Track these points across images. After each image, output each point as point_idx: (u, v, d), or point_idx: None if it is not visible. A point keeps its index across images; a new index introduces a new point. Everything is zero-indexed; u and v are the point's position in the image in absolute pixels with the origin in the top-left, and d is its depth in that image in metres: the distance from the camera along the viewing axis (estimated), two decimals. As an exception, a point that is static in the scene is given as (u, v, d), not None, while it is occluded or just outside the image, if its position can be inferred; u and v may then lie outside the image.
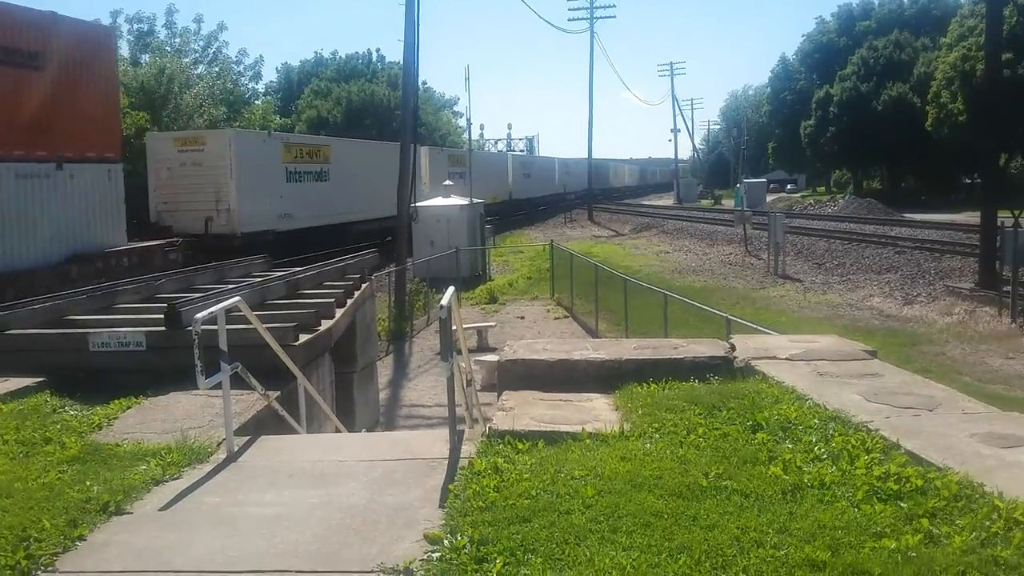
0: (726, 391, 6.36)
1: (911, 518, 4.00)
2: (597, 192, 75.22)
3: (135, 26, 62.86)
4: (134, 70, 53.54)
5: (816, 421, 5.44)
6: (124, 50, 61.82)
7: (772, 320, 17.43)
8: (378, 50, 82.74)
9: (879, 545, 3.74)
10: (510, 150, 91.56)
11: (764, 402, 5.96)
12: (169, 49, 60.77)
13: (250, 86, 70.48)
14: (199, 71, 60.05)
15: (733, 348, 7.59)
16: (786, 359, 7.21)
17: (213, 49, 65.31)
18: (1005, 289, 20.27)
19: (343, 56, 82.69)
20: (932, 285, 24.20)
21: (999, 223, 22.32)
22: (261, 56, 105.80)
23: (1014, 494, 3.99)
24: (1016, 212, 23.69)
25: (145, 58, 58.72)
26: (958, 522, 3.89)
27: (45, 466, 5.37)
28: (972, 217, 33.58)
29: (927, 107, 55.13)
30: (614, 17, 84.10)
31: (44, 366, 7.78)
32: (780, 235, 30.54)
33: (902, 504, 4.16)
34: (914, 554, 3.63)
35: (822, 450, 4.95)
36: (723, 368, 7.08)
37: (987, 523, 3.81)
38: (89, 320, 9.08)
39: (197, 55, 63.81)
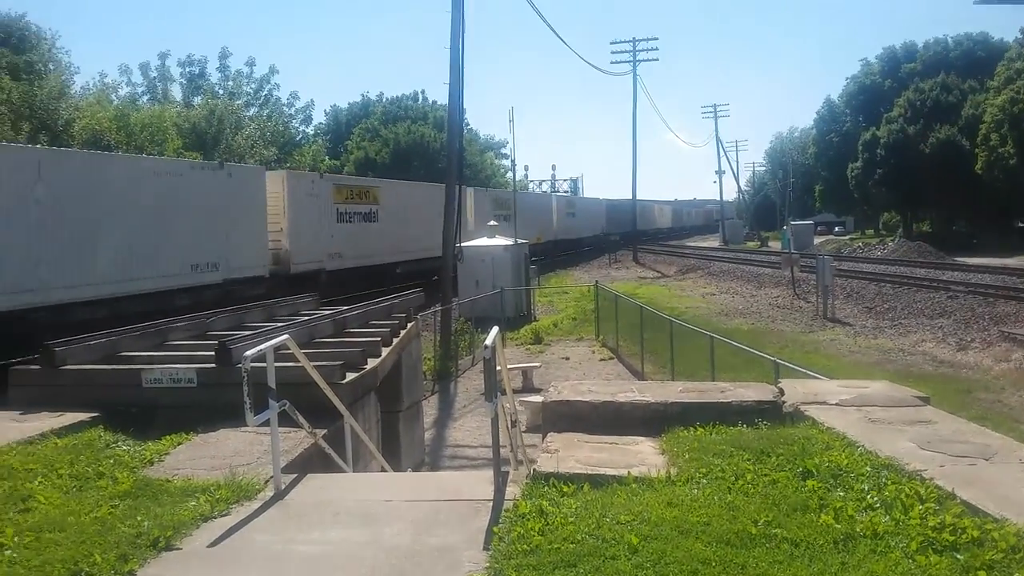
0: (775, 436, 6.27)
1: (968, 570, 3.91)
2: (641, 233, 74.76)
3: (187, 69, 64.76)
4: (186, 112, 55.06)
5: (868, 469, 5.33)
6: (176, 93, 63.74)
7: (821, 364, 17.15)
8: (423, 92, 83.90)
9: (935, 598, 3.65)
10: (554, 191, 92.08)
11: (814, 448, 5.86)
12: (221, 91, 62.45)
13: (301, 128, 72.16)
14: (251, 113, 61.56)
15: (782, 392, 7.50)
16: (836, 404, 7.10)
17: (265, 92, 67.06)
18: (1062, 335, 19.75)
19: (389, 98, 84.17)
20: (986, 330, 23.66)
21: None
22: (312, 100, 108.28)
23: (1076, 548, 3.87)
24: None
25: (197, 100, 60.36)
26: (1016, 575, 3.78)
27: (98, 500, 5.46)
28: (1026, 261, 32.88)
29: (976, 150, 54.45)
30: (656, 60, 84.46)
31: (98, 401, 7.93)
32: (829, 278, 30.15)
33: (958, 556, 4.06)
34: (972, 608, 3.54)
35: (875, 499, 4.85)
36: (771, 413, 6.99)
37: (1047, 577, 3.70)
38: (142, 356, 9.25)
39: (249, 97, 65.50)
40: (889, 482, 5.04)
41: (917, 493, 4.82)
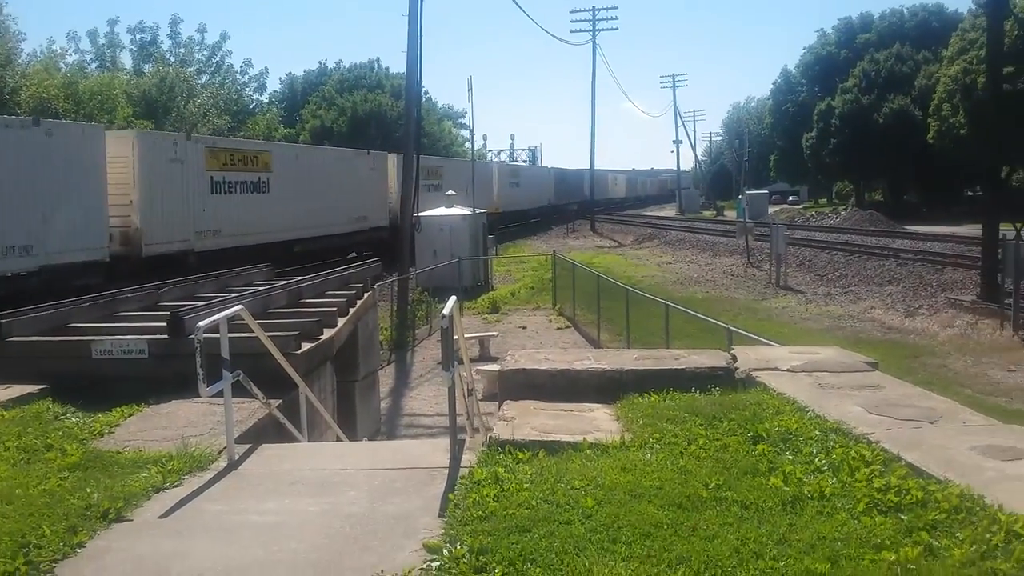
0: (727, 402, 6.36)
1: (911, 530, 4.00)
2: (594, 203, 74.11)
3: (138, 36, 63.31)
4: (136, 80, 53.85)
5: (817, 432, 5.44)
6: (127, 60, 62.31)
7: (774, 331, 17.41)
8: (379, 60, 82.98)
9: (878, 557, 3.74)
10: (513, 160, 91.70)
11: (765, 413, 5.96)
12: (173, 59, 61.13)
13: (255, 97, 70.99)
14: (203, 81, 60.37)
15: (734, 359, 7.59)
16: (787, 370, 7.21)
17: (217, 59, 65.77)
18: (1007, 302, 20.26)
19: (347, 66, 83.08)
20: (934, 297, 24.19)
21: (1001, 236, 22.33)
22: (266, 68, 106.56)
23: (1014, 507, 3.99)
24: (1018, 225, 23.75)
25: (148, 68, 59.05)
26: (958, 535, 3.89)
27: (46, 473, 5.37)
28: (974, 230, 33.56)
29: (928, 120, 55.21)
30: (616, 29, 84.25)
31: (46, 373, 7.79)
32: (782, 247, 30.55)
33: (902, 516, 4.16)
34: (913, 567, 3.63)
35: (822, 462, 4.95)
36: (724, 379, 7.08)
37: (987, 536, 3.81)
38: (92, 328, 9.09)
39: (201, 65, 64.22)
40: (837, 445, 5.15)
41: (863, 456, 4.92)
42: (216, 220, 24.72)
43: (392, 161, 36.83)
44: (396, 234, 32.39)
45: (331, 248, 30.96)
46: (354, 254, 31.69)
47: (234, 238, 25.36)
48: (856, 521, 4.16)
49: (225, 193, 25.54)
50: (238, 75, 68.46)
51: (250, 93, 70.83)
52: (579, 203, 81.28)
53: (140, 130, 27.01)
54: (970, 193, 64.27)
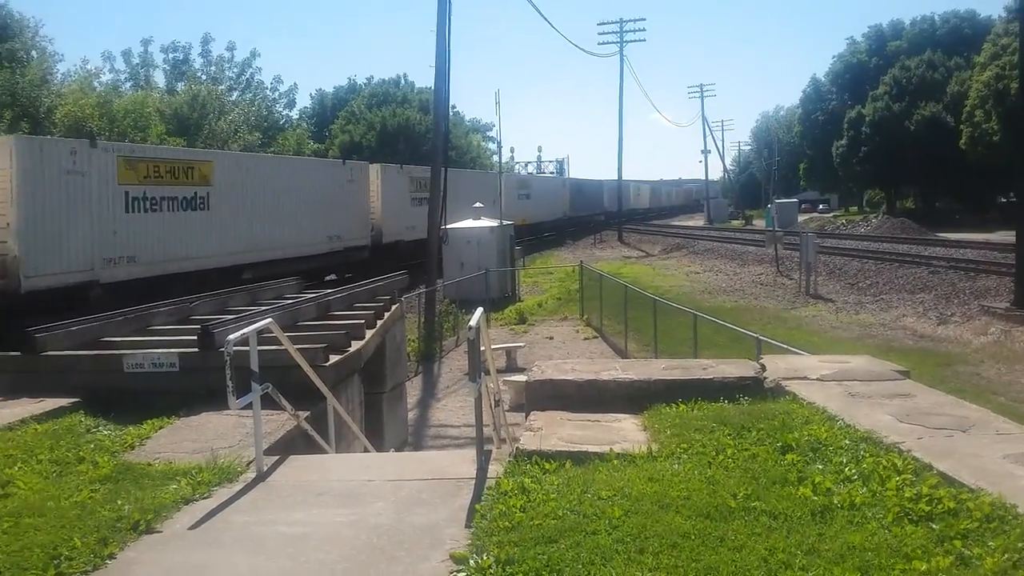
0: (755, 412, 6.31)
1: (943, 540, 3.95)
2: (625, 213, 73.61)
3: (170, 55, 64.29)
4: (169, 98, 54.65)
5: (847, 442, 5.38)
6: (160, 79, 63.28)
7: (803, 340, 17.25)
8: (406, 75, 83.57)
9: (910, 567, 3.69)
10: (540, 172, 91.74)
11: (794, 423, 5.90)
12: (204, 77, 61.99)
13: (285, 113, 71.77)
14: (233, 97, 61.14)
15: (763, 368, 7.54)
16: (817, 379, 7.14)
17: (247, 76, 66.60)
18: (1043, 309, 19.93)
19: (375, 82, 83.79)
20: (967, 305, 23.84)
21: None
22: (295, 84, 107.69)
23: (1048, 516, 3.92)
24: (1053, 231, 23.30)
25: (180, 86, 59.89)
26: (990, 544, 3.83)
27: (77, 485, 5.44)
28: (1007, 236, 33.12)
29: (961, 127, 54.66)
30: (643, 40, 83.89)
31: (79, 387, 7.90)
32: (812, 255, 30.28)
33: (933, 526, 4.10)
34: (945, 576, 3.58)
35: (853, 471, 4.89)
36: (753, 388, 7.03)
37: (1020, 545, 3.75)
38: (124, 342, 9.21)
39: (232, 82, 65.05)
40: (867, 455, 5.09)
41: (894, 465, 4.86)
42: (132, 244, 20.25)
43: (375, 172, 33.76)
44: (377, 253, 31.26)
45: (292, 273, 22.12)
46: (333, 276, 28.93)
47: (157, 265, 21.00)
48: (887, 531, 4.11)
49: (146, 211, 20.96)
50: (268, 91, 69.28)
51: (280, 109, 71.61)
52: (600, 214, 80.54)
53: (21, 136, 21.91)
54: (1003, 200, 63.41)
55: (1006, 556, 3.68)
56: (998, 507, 4.10)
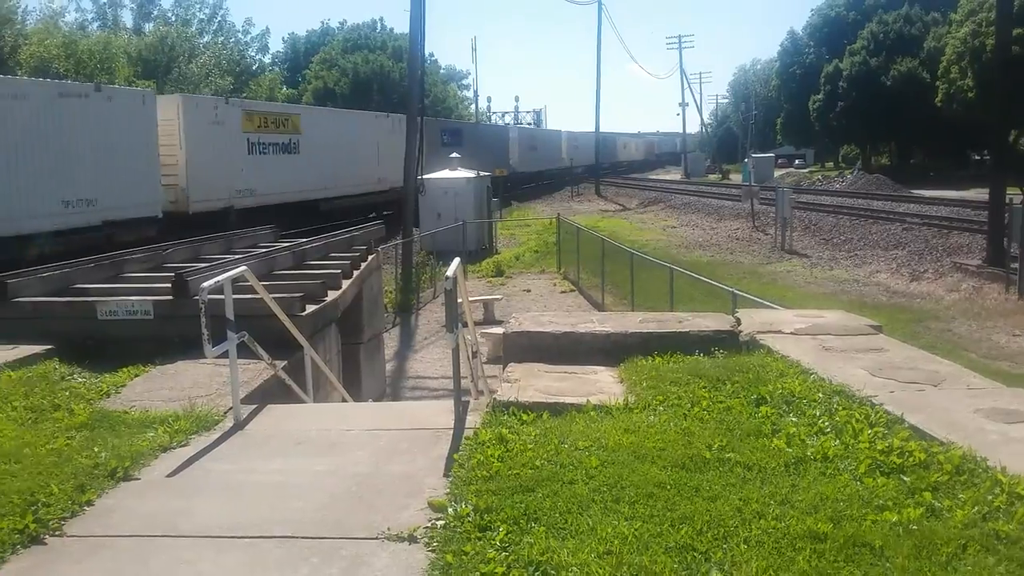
0: (731, 365, 6.37)
1: (913, 492, 4.02)
2: (604, 166, 73.94)
3: (138, -5, 62.78)
4: (136, 40, 53.49)
5: (820, 395, 5.44)
6: (127, 19, 61.85)
7: (778, 295, 17.41)
8: (382, 19, 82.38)
9: (881, 518, 3.76)
10: (517, 123, 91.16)
11: (768, 376, 5.97)
12: (173, 18, 60.67)
13: (257, 57, 70.54)
14: (204, 41, 59.95)
15: (739, 322, 7.59)
16: (791, 333, 7.21)
17: (218, 18, 65.24)
18: (1013, 266, 20.20)
19: (350, 26, 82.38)
20: (939, 261, 24.13)
21: (1008, 200, 22.21)
22: (268, 27, 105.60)
23: (1017, 469, 4.00)
24: (1025, 189, 23.58)
25: (148, 27, 58.61)
26: (960, 496, 3.91)
27: (54, 432, 5.41)
28: (981, 194, 33.40)
29: (937, 83, 54.73)
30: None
31: (52, 334, 7.82)
32: (787, 210, 30.43)
33: (904, 478, 4.18)
34: (915, 527, 3.65)
35: (826, 423, 4.96)
36: (728, 342, 7.09)
37: (989, 497, 3.82)
38: (97, 289, 9.11)
39: (202, 24, 63.71)
40: (840, 408, 5.16)
41: (867, 418, 4.93)
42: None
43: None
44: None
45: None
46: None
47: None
48: (859, 482, 4.18)
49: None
50: (240, 35, 67.98)
51: (252, 54, 70.35)
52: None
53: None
54: (977, 157, 63.90)
55: (975, 508, 3.76)
56: (968, 460, 4.18)
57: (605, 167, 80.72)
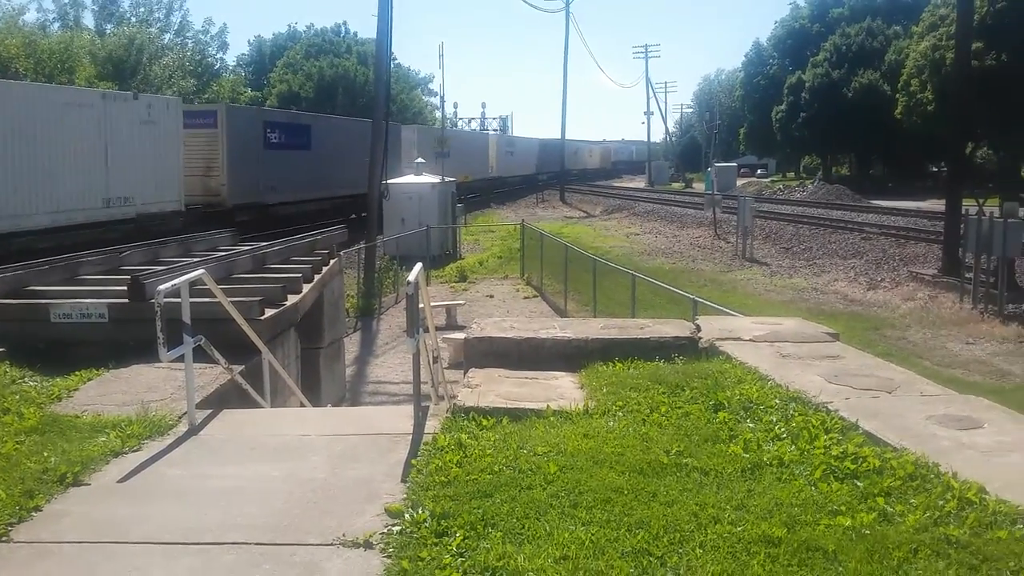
0: (690, 371, 6.41)
1: (866, 497, 4.07)
2: (569, 173, 74.70)
3: (98, -5, 61.94)
4: (103, 40, 52.71)
5: (777, 401, 5.49)
6: (88, 20, 60.96)
7: (738, 303, 17.56)
8: (346, 23, 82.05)
9: (834, 523, 3.80)
10: (483, 129, 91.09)
11: (727, 382, 6.01)
12: (133, 19, 59.90)
13: (217, 56, 69.82)
14: (165, 41, 59.28)
15: (698, 329, 7.64)
16: (750, 340, 7.27)
17: (177, 18, 64.52)
18: (967, 276, 20.58)
19: (315, 30, 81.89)
20: (896, 271, 24.52)
21: (964, 211, 22.63)
22: (225, 24, 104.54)
23: (968, 475, 4.06)
24: (980, 200, 24.04)
25: (109, 28, 57.81)
26: (912, 501, 3.96)
27: (2, 437, 5.29)
28: (937, 205, 34.02)
29: (897, 95, 55.55)
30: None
31: (3, 336, 7.64)
32: (749, 219, 30.73)
33: (858, 483, 4.22)
34: (868, 532, 3.69)
35: (782, 430, 5.00)
36: (688, 348, 7.13)
37: (940, 503, 3.88)
38: (51, 291, 8.94)
39: (161, 24, 62.96)
40: (796, 414, 5.21)
41: (822, 424, 4.98)
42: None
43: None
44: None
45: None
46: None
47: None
48: (813, 487, 4.22)
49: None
50: (201, 35, 67.26)
51: (212, 52, 69.59)
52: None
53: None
54: (935, 169, 64.97)
55: (927, 513, 3.81)
56: (920, 466, 4.24)
57: (542, 176, 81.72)
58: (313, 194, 32.79)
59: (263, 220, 27.34)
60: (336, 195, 34.43)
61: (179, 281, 5.68)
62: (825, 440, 4.75)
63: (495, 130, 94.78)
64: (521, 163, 74.32)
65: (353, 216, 33.29)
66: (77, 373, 7.01)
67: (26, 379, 6.85)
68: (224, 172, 26.83)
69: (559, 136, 72.80)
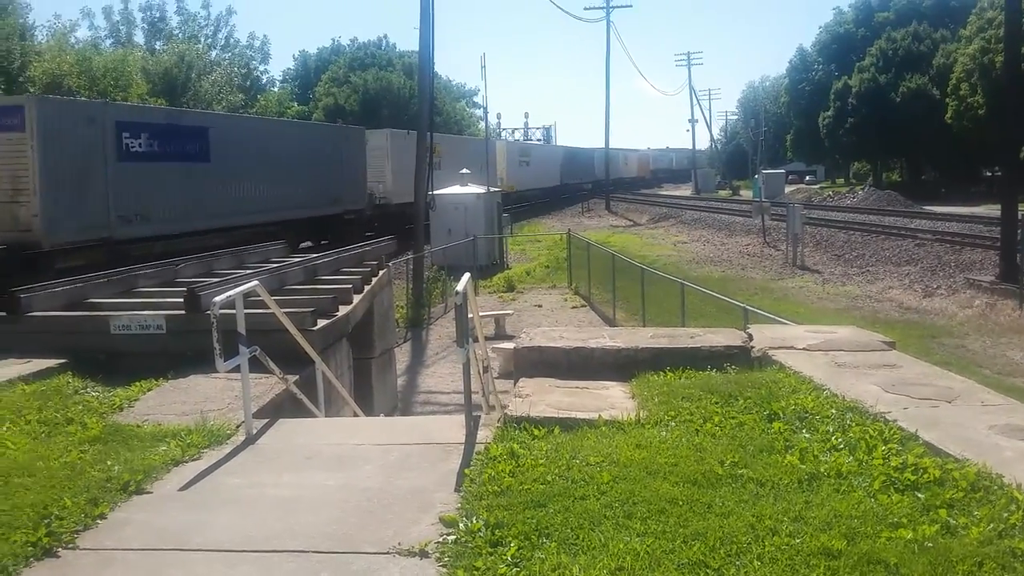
0: (743, 380, 6.35)
1: (928, 509, 3.99)
2: (619, 181, 73.74)
3: (148, 13, 63.43)
4: (156, 57, 53.90)
5: (833, 411, 5.42)
6: (139, 38, 62.40)
7: (790, 311, 17.35)
8: (387, 37, 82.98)
9: (895, 535, 3.73)
10: (527, 139, 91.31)
11: (781, 392, 5.95)
12: (180, 35, 61.18)
13: (261, 68, 70.95)
14: (213, 56, 60.45)
15: (750, 338, 7.57)
16: (803, 349, 7.19)
17: (223, 34, 65.80)
18: (1026, 282, 20.09)
19: (358, 44, 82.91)
20: (952, 278, 24.01)
21: (1020, 216, 22.12)
22: (266, 36, 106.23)
23: (1032, 486, 3.97)
24: (1037, 205, 23.48)
25: (159, 45, 59.10)
26: (976, 513, 3.88)
27: (67, 446, 5.43)
28: (992, 210, 33.29)
29: (947, 99, 54.65)
30: (631, 7, 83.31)
31: (66, 348, 7.85)
32: (799, 226, 30.35)
33: (919, 495, 4.15)
34: (931, 544, 3.63)
35: (839, 440, 4.94)
36: (740, 358, 7.07)
37: (1005, 514, 3.80)
38: (110, 303, 9.16)
39: (209, 40, 64.25)
40: (853, 424, 5.13)
41: (881, 434, 4.91)
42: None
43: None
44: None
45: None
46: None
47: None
48: (873, 499, 4.16)
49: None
50: (247, 50, 68.49)
51: (256, 64, 70.73)
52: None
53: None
54: (988, 173, 63.61)
55: (991, 525, 3.73)
56: (983, 477, 4.16)
57: (575, 183, 79.08)
58: (213, 222, 22.89)
59: (116, 264, 14.00)
60: (258, 222, 25.02)
61: (233, 293, 5.78)
62: (884, 451, 4.68)
63: (538, 140, 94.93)
64: (539, 174, 65.73)
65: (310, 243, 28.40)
66: (137, 383, 7.16)
67: (88, 389, 7.02)
68: (37, 197, 17.36)
69: (603, 145, 72.75)
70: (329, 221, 29.34)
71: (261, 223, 25.09)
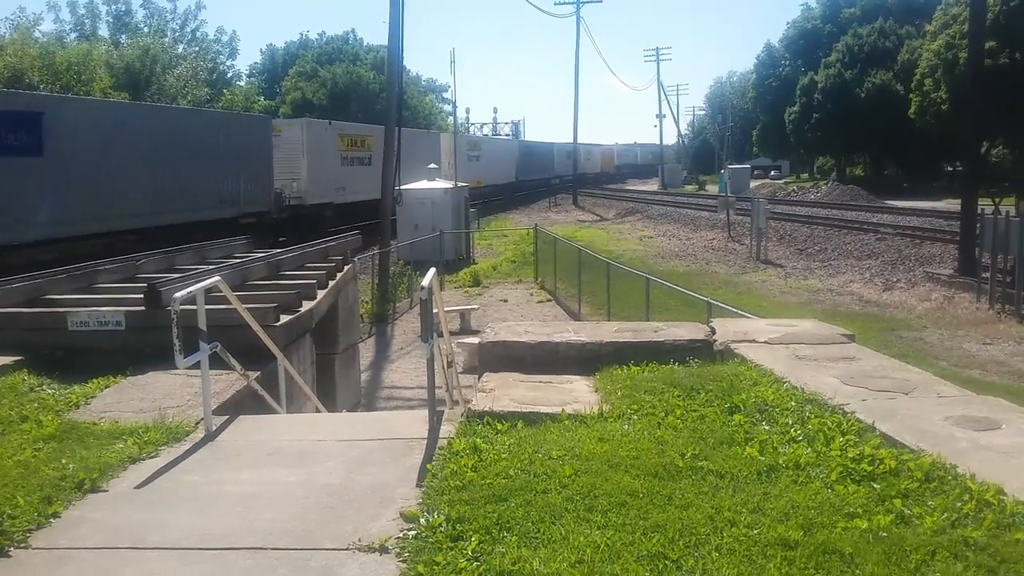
0: (705, 374, 6.39)
1: (883, 499, 4.04)
2: (563, 179, 73.29)
3: (112, 7, 62.46)
4: (119, 51, 53.11)
5: (793, 403, 5.47)
6: (104, 31, 61.43)
7: (753, 305, 17.50)
8: (354, 31, 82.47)
9: (851, 525, 3.78)
10: (495, 134, 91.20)
11: (742, 385, 5.99)
12: (147, 29, 60.35)
13: (228, 63, 70.19)
14: (179, 51, 59.70)
15: (713, 331, 7.62)
16: (765, 342, 7.24)
17: (191, 28, 64.97)
18: (984, 275, 20.45)
19: (327, 37, 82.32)
20: (912, 271, 24.38)
21: (979, 210, 22.49)
22: (235, 31, 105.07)
23: (986, 476, 4.03)
24: (996, 199, 23.91)
25: (124, 39, 58.25)
26: (930, 503, 3.93)
27: (21, 444, 5.33)
28: (953, 204, 33.85)
29: (910, 95, 55.32)
30: (600, 2, 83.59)
31: (22, 345, 7.71)
32: (763, 221, 30.65)
33: (875, 485, 4.20)
34: (885, 534, 3.67)
35: (798, 432, 4.98)
36: (703, 351, 7.11)
37: (958, 504, 3.85)
38: (68, 299, 9.00)
39: (176, 34, 63.42)
40: (812, 416, 5.19)
41: (839, 426, 4.96)
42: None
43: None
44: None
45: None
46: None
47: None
48: (830, 490, 4.20)
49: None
50: (213, 44, 67.68)
51: (223, 59, 69.96)
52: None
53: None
54: (950, 168, 64.59)
55: (945, 515, 3.78)
56: (938, 467, 4.22)
57: (534, 180, 76.42)
58: (48, 232, 18.84)
59: None
60: (116, 229, 20.93)
61: (195, 288, 5.71)
62: (841, 442, 4.73)
63: (507, 134, 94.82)
64: (491, 170, 60.92)
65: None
66: (95, 380, 7.05)
67: (44, 387, 6.89)
68: None
69: (572, 139, 72.85)
70: (217, 226, 23.14)
71: (119, 231, 20.93)
